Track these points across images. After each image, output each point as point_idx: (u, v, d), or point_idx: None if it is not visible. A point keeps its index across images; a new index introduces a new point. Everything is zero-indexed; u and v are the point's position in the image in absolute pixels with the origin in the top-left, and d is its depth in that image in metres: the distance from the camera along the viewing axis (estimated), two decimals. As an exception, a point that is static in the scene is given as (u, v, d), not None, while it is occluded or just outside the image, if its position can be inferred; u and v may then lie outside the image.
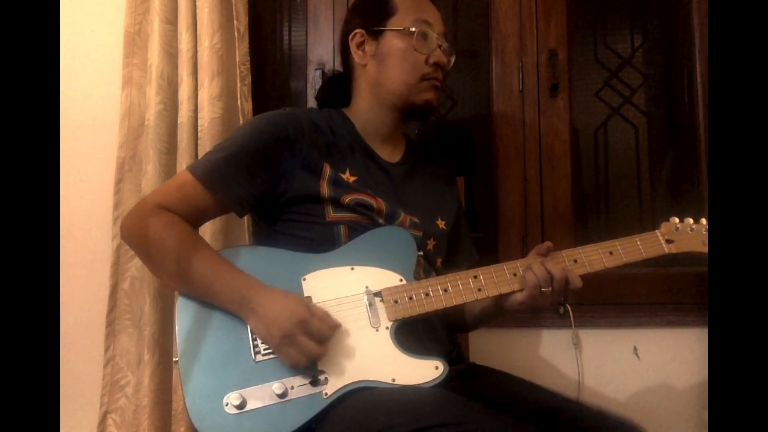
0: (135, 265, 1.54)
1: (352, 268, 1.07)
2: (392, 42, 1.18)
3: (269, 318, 0.97)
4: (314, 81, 1.70)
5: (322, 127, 1.17)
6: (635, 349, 1.63)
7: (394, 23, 1.18)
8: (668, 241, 1.14)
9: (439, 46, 1.19)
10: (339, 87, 1.27)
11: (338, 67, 1.80)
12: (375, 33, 1.19)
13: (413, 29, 1.17)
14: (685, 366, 1.61)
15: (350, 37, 1.22)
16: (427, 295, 1.05)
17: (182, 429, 1.45)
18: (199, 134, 1.51)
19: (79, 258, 1.62)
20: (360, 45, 1.21)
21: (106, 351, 1.54)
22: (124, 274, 1.54)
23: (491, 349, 1.46)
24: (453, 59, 1.25)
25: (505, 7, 1.74)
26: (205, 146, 1.48)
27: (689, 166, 1.77)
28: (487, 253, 1.68)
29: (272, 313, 0.97)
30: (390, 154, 1.24)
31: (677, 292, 1.66)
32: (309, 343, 0.96)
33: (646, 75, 1.83)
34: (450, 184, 1.36)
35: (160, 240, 1.04)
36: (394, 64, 1.18)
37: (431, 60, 1.18)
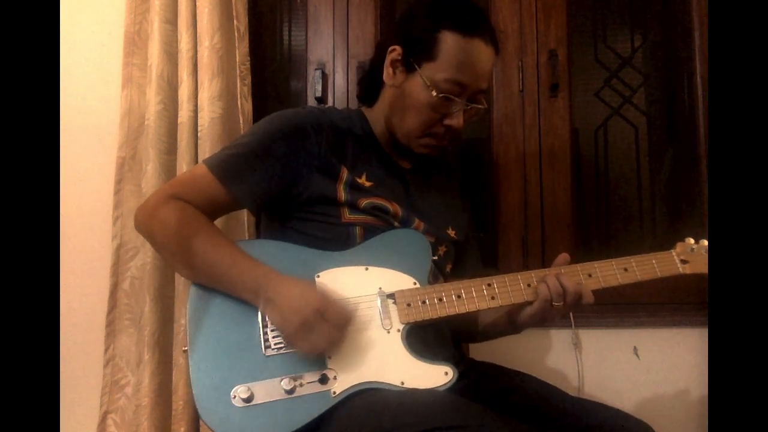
0: (135, 265, 1.54)
1: (367, 269, 1.06)
2: (418, 86, 1.11)
3: (287, 306, 0.97)
4: (314, 81, 1.70)
5: (342, 129, 1.16)
6: (635, 349, 1.63)
7: (427, 71, 1.10)
8: (683, 261, 1.13)
9: (466, 109, 1.13)
10: (372, 84, 1.23)
11: (342, 66, 1.78)
12: (409, 65, 1.13)
13: (435, 93, 1.09)
14: (686, 366, 1.61)
15: (389, 48, 1.15)
16: (440, 300, 1.05)
17: (182, 429, 1.45)
18: (199, 134, 1.51)
19: (79, 258, 1.62)
20: (393, 63, 1.15)
21: (106, 351, 1.54)
22: (124, 274, 1.54)
23: (491, 348, 1.45)
24: (471, 119, 1.18)
25: (505, 7, 1.74)
26: (205, 146, 1.49)
27: (689, 166, 1.77)
28: (487, 253, 1.68)
29: (289, 301, 0.97)
30: (405, 159, 1.23)
31: (677, 292, 1.66)
32: (328, 328, 0.96)
33: (646, 75, 1.83)
34: (461, 197, 1.34)
35: (175, 227, 1.03)
36: (409, 109, 1.13)
37: (446, 122, 1.13)
